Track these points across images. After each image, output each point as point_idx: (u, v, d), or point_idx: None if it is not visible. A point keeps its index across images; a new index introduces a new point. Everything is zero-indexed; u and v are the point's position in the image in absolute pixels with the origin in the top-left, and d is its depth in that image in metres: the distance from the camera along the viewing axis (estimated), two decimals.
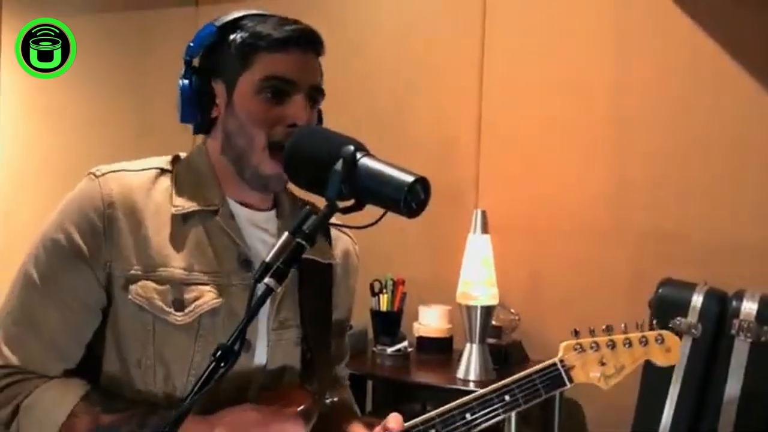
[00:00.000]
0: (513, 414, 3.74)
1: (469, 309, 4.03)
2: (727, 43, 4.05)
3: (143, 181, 2.06)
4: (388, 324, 4.45)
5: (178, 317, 1.97)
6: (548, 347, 4.33)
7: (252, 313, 1.69)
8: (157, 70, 5.52)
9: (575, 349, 2.16)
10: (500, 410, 2.13)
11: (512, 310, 4.31)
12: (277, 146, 2.00)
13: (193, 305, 1.99)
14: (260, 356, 2.08)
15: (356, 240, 2.44)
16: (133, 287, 1.97)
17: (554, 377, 2.17)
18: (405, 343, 4.34)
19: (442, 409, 2.13)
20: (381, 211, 1.77)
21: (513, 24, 4.55)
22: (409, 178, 1.69)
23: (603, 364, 2.19)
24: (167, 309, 1.97)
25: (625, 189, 4.25)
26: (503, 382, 2.15)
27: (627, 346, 2.21)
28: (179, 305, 1.98)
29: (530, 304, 4.40)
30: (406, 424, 2.14)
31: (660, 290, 3.51)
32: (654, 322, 2.29)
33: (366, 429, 2.26)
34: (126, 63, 5.71)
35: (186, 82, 2.10)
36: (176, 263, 2.01)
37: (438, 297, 4.46)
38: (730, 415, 3.33)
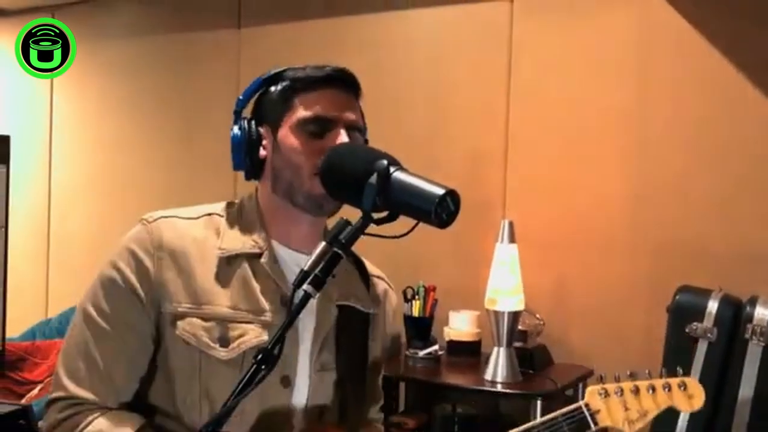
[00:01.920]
0: (538, 414, 3.75)
1: (497, 314, 4.03)
2: (744, 63, 4.03)
3: (192, 226, 2.09)
4: (420, 329, 4.46)
5: (223, 353, 1.97)
6: (572, 351, 4.37)
7: (291, 318, 1.70)
8: (200, 90, 5.55)
9: (600, 394, 2.13)
10: None
11: (537, 316, 4.29)
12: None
13: (237, 342, 1.99)
14: (301, 395, 2.07)
15: (391, 284, 2.42)
16: (180, 323, 1.98)
17: (580, 420, 2.14)
18: (436, 347, 4.35)
19: None
20: (413, 221, 1.77)
21: (538, 45, 4.54)
22: (440, 191, 1.70)
23: (627, 409, 2.14)
24: (212, 345, 1.97)
25: (644, 202, 4.23)
26: (529, 424, 2.13)
27: (651, 392, 2.17)
28: (224, 342, 1.98)
29: (555, 309, 4.38)
30: None
31: (677, 297, 3.50)
32: (679, 370, 2.24)
33: None
34: (171, 84, 5.74)
35: (237, 131, 2.12)
36: (221, 301, 2.02)
37: (467, 303, 4.46)
38: (744, 416, 3.31)
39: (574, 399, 4.22)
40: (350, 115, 2.09)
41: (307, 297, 1.71)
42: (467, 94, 4.74)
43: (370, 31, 5.05)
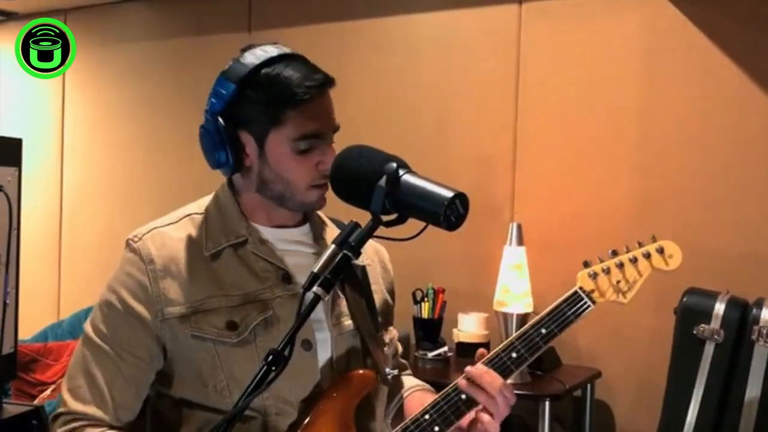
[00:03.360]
0: (546, 414, 3.76)
1: (506, 316, 4.04)
2: (752, 66, 4.04)
3: (175, 232, 2.15)
4: (429, 330, 4.46)
5: (233, 336, 2.03)
6: (579, 352, 4.37)
7: (301, 320, 1.71)
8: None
9: (590, 276, 2.26)
10: (540, 342, 2.19)
11: None
12: (317, 185, 2.09)
13: (244, 323, 2.04)
14: (325, 354, 2.12)
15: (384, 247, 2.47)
16: (187, 323, 2.04)
17: (579, 302, 2.23)
18: (445, 348, 4.35)
19: (490, 354, 2.16)
20: (422, 224, 1.78)
21: (546, 49, 4.54)
22: (449, 194, 1.71)
23: (617, 282, 2.29)
24: (222, 332, 2.03)
25: (652, 204, 4.23)
26: (537, 317, 2.22)
27: (633, 262, 2.33)
28: (232, 326, 2.04)
29: None
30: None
31: (685, 299, 3.50)
32: (653, 237, 2.42)
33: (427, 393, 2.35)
34: (182, 86, 5.73)
35: (208, 130, 2.12)
36: (219, 293, 2.07)
37: (476, 305, 4.46)
38: (751, 416, 3.32)
39: (582, 400, 4.23)
40: (335, 121, 2.12)
41: (317, 299, 1.72)
42: (476, 97, 4.74)
43: (379, 34, 5.05)
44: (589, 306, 2.24)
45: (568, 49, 4.49)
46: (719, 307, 3.42)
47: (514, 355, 2.18)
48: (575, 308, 2.23)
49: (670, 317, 3.55)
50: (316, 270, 1.74)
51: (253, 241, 2.13)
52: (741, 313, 3.41)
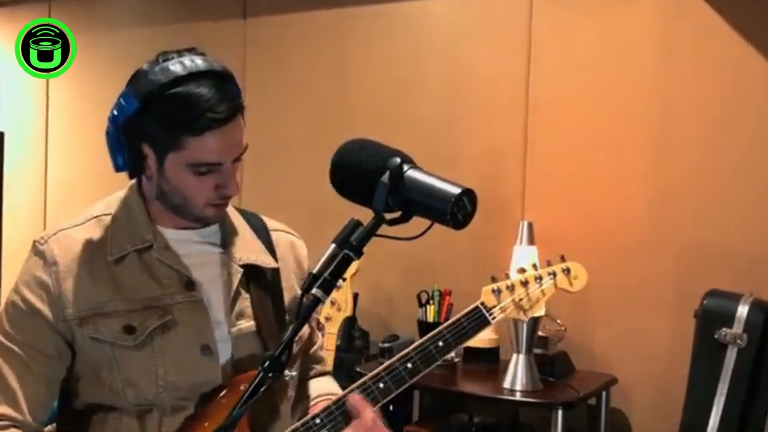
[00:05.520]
0: (559, 423, 3.76)
1: (516, 320, 4.01)
2: None
3: (80, 234, 2.23)
4: None
5: (130, 339, 2.13)
6: (594, 358, 4.37)
7: (301, 323, 1.71)
8: None
9: (494, 292, 2.39)
10: (437, 355, 2.29)
11: (558, 321, 4.29)
12: (215, 204, 2.18)
13: (141, 327, 2.13)
14: (225, 358, 2.22)
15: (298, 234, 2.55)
16: (86, 325, 2.13)
17: (478, 317, 2.34)
18: (452, 354, 4.33)
19: (386, 363, 2.24)
20: (428, 222, 1.77)
21: (558, 38, 4.54)
22: (456, 190, 1.70)
23: (520, 300, 2.41)
24: (119, 335, 2.13)
25: (669, 202, 4.22)
26: (436, 330, 2.32)
27: (538, 282, 2.43)
28: (130, 330, 2.13)
29: (576, 315, 4.37)
30: (355, 384, 2.23)
31: (705, 301, 3.50)
32: (562, 256, 2.51)
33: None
34: None
35: (110, 135, 2.21)
36: (119, 298, 2.16)
37: None
38: None
39: (597, 408, 4.23)
40: (236, 151, 2.17)
41: (316, 301, 1.72)
42: (485, 90, 4.73)
43: (382, 22, 5.04)
44: (487, 323, 2.34)
45: (581, 39, 4.48)
46: (742, 310, 3.42)
47: (409, 365, 2.26)
48: (474, 323, 2.33)
49: (690, 320, 3.55)
50: (315, 271, 1.74)
51: (158, 246, 2.21)
52: (765, 317, 3.41)
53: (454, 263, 4.71)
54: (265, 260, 2.34)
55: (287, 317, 2.34)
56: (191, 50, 2.21)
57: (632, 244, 4.32)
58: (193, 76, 2.11)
